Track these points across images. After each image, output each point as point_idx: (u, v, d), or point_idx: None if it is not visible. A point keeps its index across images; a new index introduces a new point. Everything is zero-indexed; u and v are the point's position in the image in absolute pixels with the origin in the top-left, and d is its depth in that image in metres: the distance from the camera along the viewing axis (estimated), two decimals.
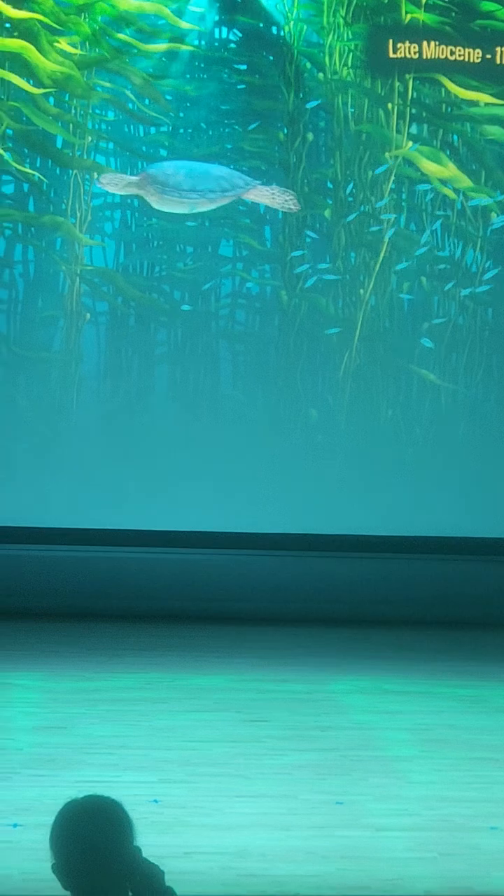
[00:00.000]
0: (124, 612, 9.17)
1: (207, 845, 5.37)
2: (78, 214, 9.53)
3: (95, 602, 9.27)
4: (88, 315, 9.66)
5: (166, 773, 6.20)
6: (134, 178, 9.51)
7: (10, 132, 9.46)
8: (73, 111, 9.52)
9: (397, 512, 9.70)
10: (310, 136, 9.64)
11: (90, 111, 9.53)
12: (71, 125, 9.52)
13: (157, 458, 9.55)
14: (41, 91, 9.43)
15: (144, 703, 7.35)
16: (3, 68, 9.34)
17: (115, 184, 9.50)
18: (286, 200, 9.61)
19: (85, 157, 9.53)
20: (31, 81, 9.40)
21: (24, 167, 9.47)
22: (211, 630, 8.95)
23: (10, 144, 9.47)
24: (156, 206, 9.54)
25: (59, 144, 9.52)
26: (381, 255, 9.69)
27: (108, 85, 9.53)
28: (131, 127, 9.63)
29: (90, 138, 9.55)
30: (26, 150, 9.51)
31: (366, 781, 6.22)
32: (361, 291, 9.70)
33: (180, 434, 9.65)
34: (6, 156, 9.42)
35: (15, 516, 9.38)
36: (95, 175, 9.47)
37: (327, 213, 9.71)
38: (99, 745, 6.51)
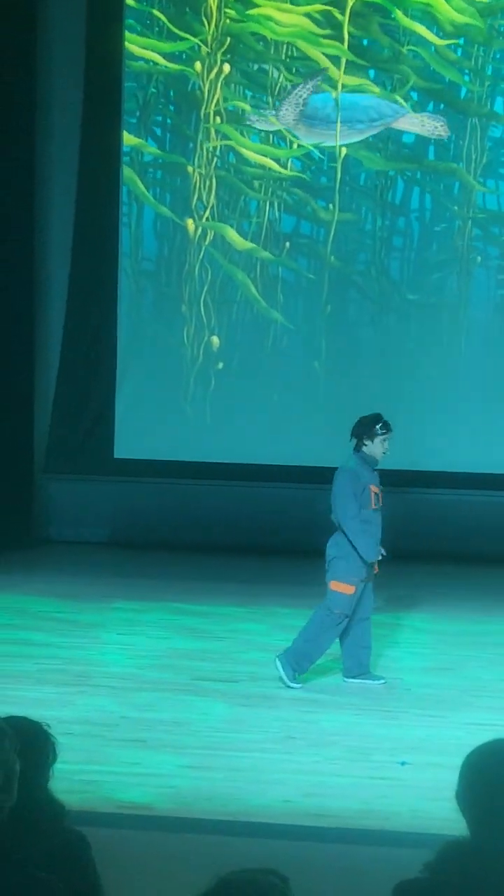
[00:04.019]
0: None
1: None
2: (473, 158, 9.49)
3: (487, 546, 9.29)
4: (479, 258, 9.64)
5: None
6: (283, 114, 9.53)
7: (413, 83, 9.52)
8: (473, 58, 9.48)
9: None
10: None
11: (491, 57, 9.46)
12: (471, 72, 9.50)
13: None
14: (445, 42, 9.43)
15: None
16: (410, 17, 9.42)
17: (262, 121, 9.56)
18: (435, 128, 9.41)
19: (484, 102, 9.49)
20: (438, 32, 9.42)
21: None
22: None
23: (414, 95, 9.53)
24: (304, 139, 9.54)
25: (462, 94, 9.51)
26: None
27: None
28: None
29: (488, 83, 9.49)
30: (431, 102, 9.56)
31: None
32: None
33: None
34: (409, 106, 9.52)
35: (419, 460, 9.46)
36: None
37: None
38: (487, 688, 6.52)
